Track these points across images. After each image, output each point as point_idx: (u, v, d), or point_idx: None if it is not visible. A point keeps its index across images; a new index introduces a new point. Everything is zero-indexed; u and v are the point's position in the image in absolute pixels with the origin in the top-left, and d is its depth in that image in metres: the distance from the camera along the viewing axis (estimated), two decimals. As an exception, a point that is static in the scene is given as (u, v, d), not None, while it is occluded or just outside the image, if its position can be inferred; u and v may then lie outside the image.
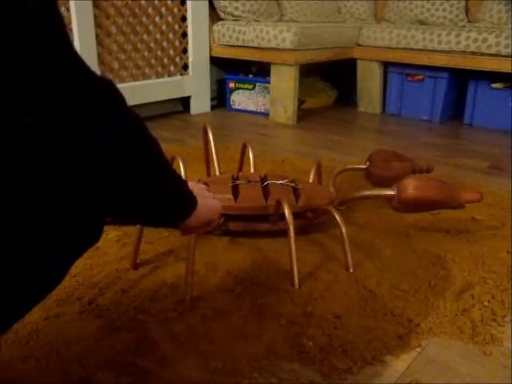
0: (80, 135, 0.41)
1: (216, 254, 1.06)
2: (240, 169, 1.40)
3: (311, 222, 1.16)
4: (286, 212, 0.96)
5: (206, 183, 1.15)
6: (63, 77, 0.39)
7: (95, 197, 0.45)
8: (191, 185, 0.66)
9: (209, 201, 0.66)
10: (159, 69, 2.30)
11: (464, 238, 1.16)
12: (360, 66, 2.60)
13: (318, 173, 1.30)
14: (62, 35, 0.40)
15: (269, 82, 2.39)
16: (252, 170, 1.29)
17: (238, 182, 1.16)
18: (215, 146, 1.32)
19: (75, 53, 0.41)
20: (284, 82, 2.30)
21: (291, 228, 0.95)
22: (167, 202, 0.55)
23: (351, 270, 0.99)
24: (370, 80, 2.59)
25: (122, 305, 0.87)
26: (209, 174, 1.43)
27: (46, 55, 0.38)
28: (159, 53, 2.28)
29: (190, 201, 0.60)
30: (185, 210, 0.59)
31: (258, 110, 2.53)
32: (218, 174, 1.29)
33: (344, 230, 1.00)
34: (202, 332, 0.80)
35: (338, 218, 1.02)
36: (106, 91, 0.44)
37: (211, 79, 2.53)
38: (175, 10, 2.30)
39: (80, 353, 0.75)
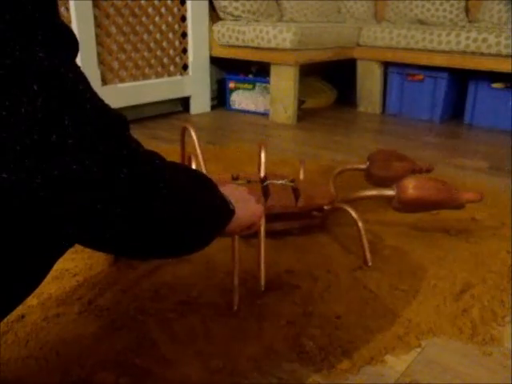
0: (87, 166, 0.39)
1: (216, 254, 1.06)
2: (258, 170, 1.39)
3: (317, 220, 1.16)
4: None
5: None
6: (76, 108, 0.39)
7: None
8: (231, 188, 0.64)
9: (250, 205, 0.65)
10: (159, 69, 2.30)
11: (464, 238, 1.16)
12: (360, 66, 2.60)
13: (304, 170, 1.30)
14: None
15: (269, 82, 2.39)
16: (262, 172, 1.28)
17: (237, 182, 1.16)
18: (199, 146, 1.30)
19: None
20: (284, 81, 2.30)
21: (262, 229, 0.93)
22: (200, 226, 0.52)
23: (370, 264, 1.00)
24: (370, 80, 2.59)
25: (122, 305, 0.86)
26: None
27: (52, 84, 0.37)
28: (159, 53, 2.28)
29: (224, 213, 0.57)
30: (221, 223, 0.57)
31: (258, 110, 2.53)
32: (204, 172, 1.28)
33: (361, 224, 1.02)
34: (202, 332, 0.80)
35: (353, 214, 1.03)
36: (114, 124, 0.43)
37: (211, 79, 2.53)
38: (175, 9, 2.30)
39: (80, 353, 0.75)
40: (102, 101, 0.42)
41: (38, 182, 0.37)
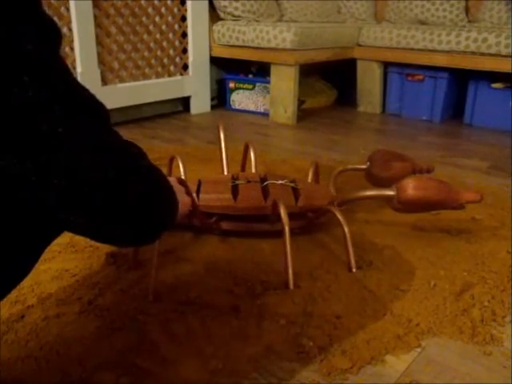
0: (70, 156, 0.41)
1: (216, 254, 1.06)
2: (242, 169, 1.39)
3: (312, 221, 1.16)
4: (282, 213, 0.96)
5: (200, 182, 1.15)
6: (60, 96, 0.40)
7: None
8: None
9: (179, 195, 0.67)
10: (159, 69, 2.30)
11: (464, 238, 1.16)
12: (360, 65, 2.60)
13: (316, 173, 1.30)
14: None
15: (269, 82, 2.39)
16: (253, 171, 1.29)
17: (237, 182, 1.16)
18: (225, 145, 1.32)
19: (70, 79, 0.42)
20: (284, 81, 2.30)
21: (287, 229, 0.94)
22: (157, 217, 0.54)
23: (354, 270, 0.99)
24: (370, 80, 2.59)
25: (122, 305, 0.86)
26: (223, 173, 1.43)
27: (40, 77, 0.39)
28: (159, 53, 2.28)
29: (176, 206, 0.59)
30: (176, 210, 0.59)
31: (258, 110, 2.53)
32: (226, 173, 1.29)
33: (347, 229, 1.00)
34: (202, 332, 0.80)
35: (340, 217, 1.02)
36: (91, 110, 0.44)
37: (211, 79, 2.53)
38: (175, 10, 2.30)
39: (80, 353, 0.75)
40: (88, 90, 0.44)
41: (29, 167, 0.39)
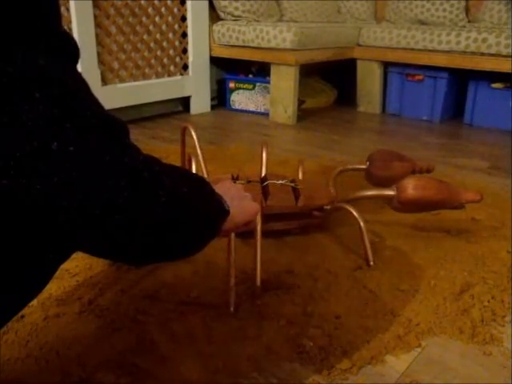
0: (86, 176, 0.39)
1: (216, 254, 1.06)
2: (260, 169, 1.38)
3: (317, 220, 1.16)
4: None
5: None
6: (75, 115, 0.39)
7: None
8: (227, 186, 0.64)
9: (245, 202, 0.65)
10: (159, 69, 2.30)
11: (464, 238, 1.16)
12: (360, 65, 2.60)
13: (303, 170, 1.30)
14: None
15: (269, 82, 2.39)
16: (263, 172, 1.28)
17: (237, 182, 1.16)
18: (199, 146, 1.29)
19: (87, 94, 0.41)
20: (284, 81, 2.30)
21: (258, 227, 0.93)
22: (196, 227, 0.53)
23: (371, 263, 1.01)
24: (370, 80, 2.59)
25: (122, 305, 0.86)
26: None
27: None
28: (159, 53, 2.28)
29: (220, 214, 0.57)
30: (217, 225, 0.57)
31: (258, 110, 2.53)
32: (206, 175, 1.28)
33: (362, 224, 1.02)
34: (202, 332, 0.80)
35: (355, 213, 1.03)
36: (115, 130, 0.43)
37: (211, 79, 2.53)
38: (175, 10, 2.30)
39: (80, 353, 0.75)
40: (102, 107, 0.42)
41: (38, 188, 0.37)
